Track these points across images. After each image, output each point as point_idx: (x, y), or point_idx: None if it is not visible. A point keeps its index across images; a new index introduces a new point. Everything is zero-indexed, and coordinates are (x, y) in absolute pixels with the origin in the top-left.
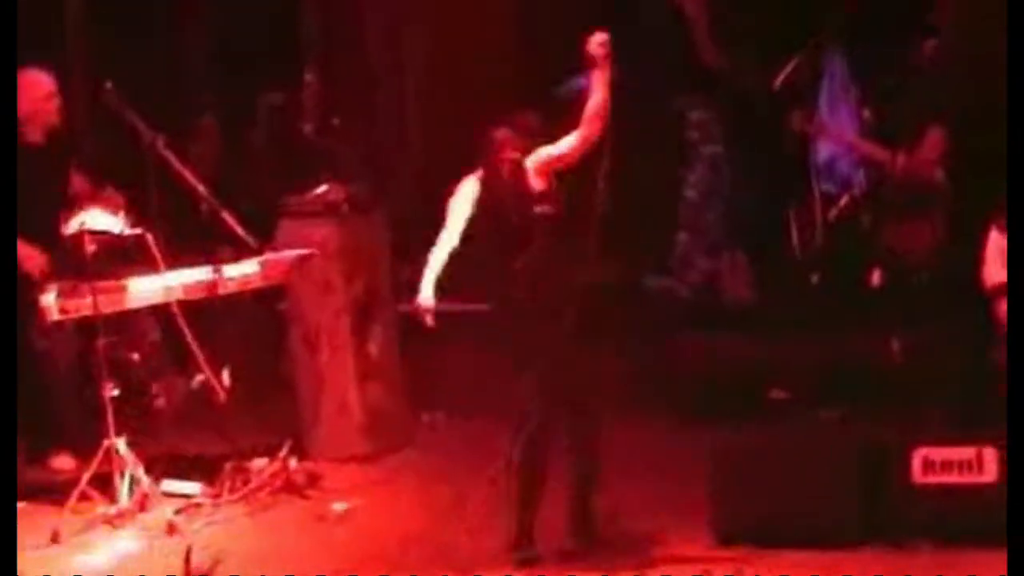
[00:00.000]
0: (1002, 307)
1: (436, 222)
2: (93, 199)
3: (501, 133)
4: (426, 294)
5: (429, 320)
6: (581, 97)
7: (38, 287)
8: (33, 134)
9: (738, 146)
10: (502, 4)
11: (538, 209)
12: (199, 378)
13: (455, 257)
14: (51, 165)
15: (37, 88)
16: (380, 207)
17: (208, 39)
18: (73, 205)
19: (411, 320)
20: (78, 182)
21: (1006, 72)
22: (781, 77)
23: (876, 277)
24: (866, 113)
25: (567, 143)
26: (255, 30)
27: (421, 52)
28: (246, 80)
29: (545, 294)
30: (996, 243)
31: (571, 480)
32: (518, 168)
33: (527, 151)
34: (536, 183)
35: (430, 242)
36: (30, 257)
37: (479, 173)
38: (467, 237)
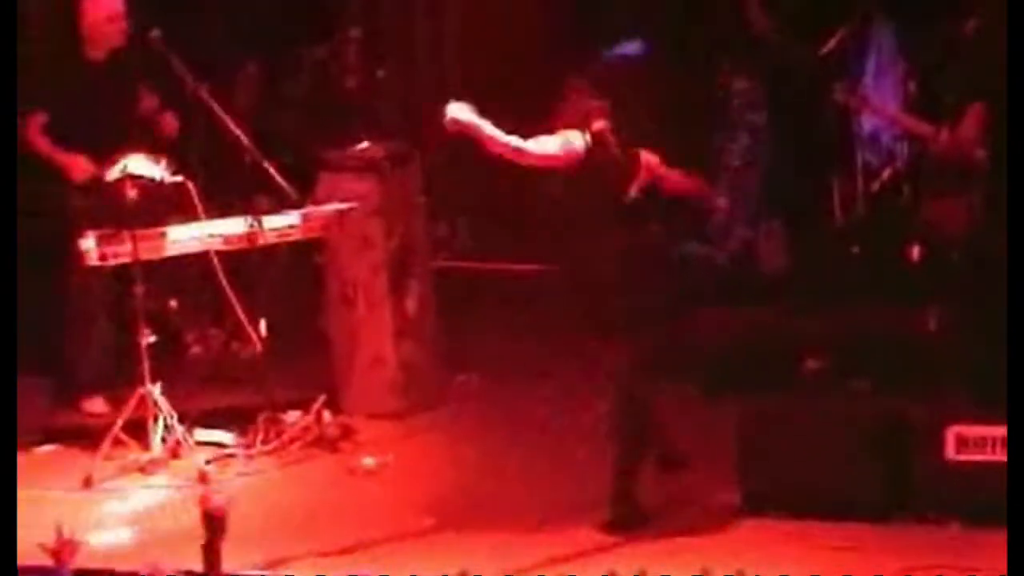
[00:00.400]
0: None
1: (474, 180)
2: (156, 120)
3: (578, 83)
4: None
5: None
6: (631, 63)
7: (79, 231)
8: (95, 52)
9: (782, 115)
10: None
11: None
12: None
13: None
14: (113, 84)
15: (100, 7)
16: (418, 163)
17: None
18: (142, 123)
19: (447, 278)
20: (147, 101)
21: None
22: (828, 47)
23: (915, 252)
24: (911, 87)
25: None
26: None
27: (461, 9)
28: (290, 32)
29: (642, 269)
30: None
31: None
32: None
33: (604, 112)
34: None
35: (466, 201)
36: (76, 165)
37: (584, 137)
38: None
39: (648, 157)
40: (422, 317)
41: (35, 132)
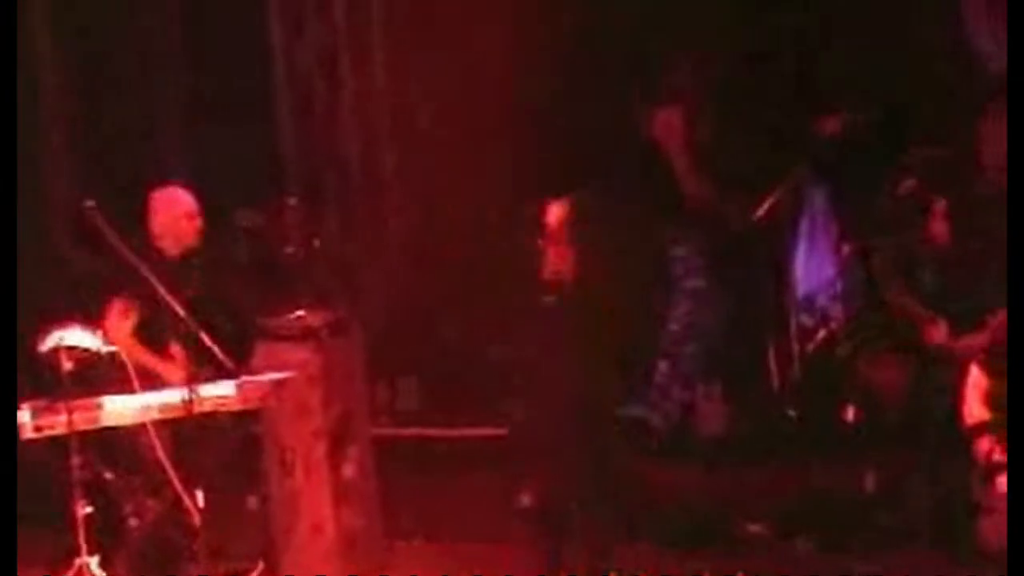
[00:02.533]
0: (983, 445)
1: (412, 343)
2: None
3: None
4: None
5: None
6: None
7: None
8: (170, 249)
9: (720, 280)
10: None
11: None
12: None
13: None
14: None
15: (177, 205)
16: (357, 330)
17: (187, 154)
18: None
19: (389, 443)
20: None
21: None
22: (761, 211)
23: (850, 413)
24: (845, 248)
25: None
26: (236, 148)
27: (403, 169)
28: (226, 199)
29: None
30: (976, 381)
31: None
32: None
33: None
34: None
35: (406, 366)
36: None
37: None
38: None
39: None
40: (362, 483)
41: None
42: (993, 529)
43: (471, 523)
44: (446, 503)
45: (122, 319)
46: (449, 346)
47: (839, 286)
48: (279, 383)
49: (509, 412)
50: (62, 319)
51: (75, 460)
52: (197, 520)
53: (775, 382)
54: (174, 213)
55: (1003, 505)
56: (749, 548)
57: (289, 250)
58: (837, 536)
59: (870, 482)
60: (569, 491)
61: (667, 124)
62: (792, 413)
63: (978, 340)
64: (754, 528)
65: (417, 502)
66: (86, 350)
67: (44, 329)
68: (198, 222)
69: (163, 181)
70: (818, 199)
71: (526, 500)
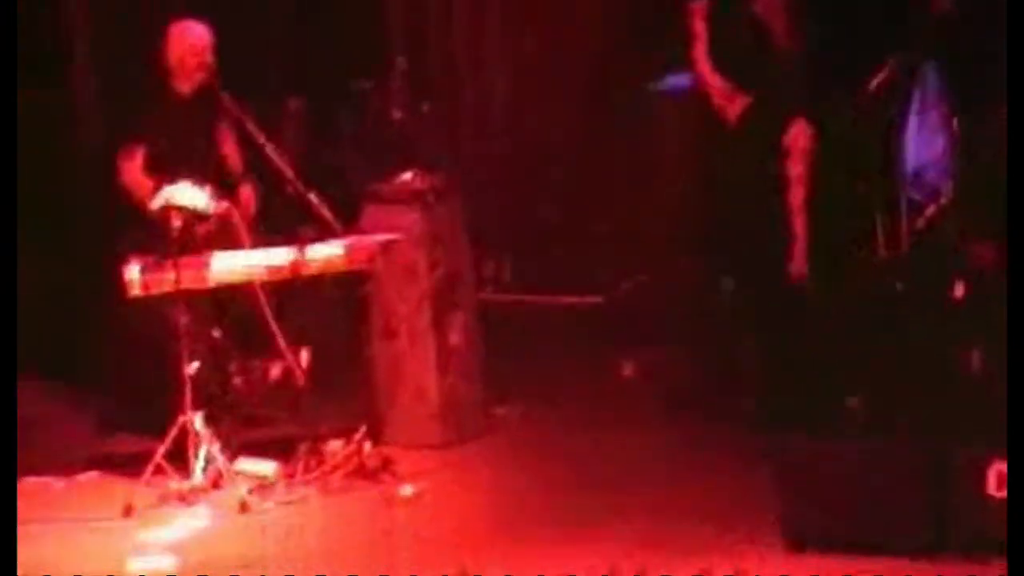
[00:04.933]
0: None
1: (518, 211)
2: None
3: None
4: None
5: None
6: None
7: (124, 261)
8: (181, 85)
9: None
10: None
11: None
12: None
13: None
14: (198, 119)
15: (186, 40)
16: (463, 195)
17: (300, 22)
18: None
19: (492, 312)
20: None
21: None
22: (873, 85)
23: (959, 289)
24: (956, 125)
25: None
26: (345, 15)
27: (510, 38)
28: (336, 64)
29: None
30: None
31: None
32: None
33: None
34: None
35: (512, 232)
36: (143, 186)
37: None
38: None
39: None
40: (466, 350)
41: (134, 166)
42: None
43: (573, 391)
44: (547, 371)
45: (129, 159)
46: (548, 224)
47: (949, 162)
48: (386, 245)
49: (613, 284)
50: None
51: (182, 318)
52: (301, 380)
53: (883, 256)
54: (185, 46)
55: None
56: (847, 423)
57: (397, 114)
58: (937, 413)
59: (976, 360)
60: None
61: (771, 3)
62: (899, 286)
63: None
64: (853, 402)
65: (519, 369)
66: (195, 208)
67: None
68: (209, 57)
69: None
70: (930, 75)
71: (628, 369)
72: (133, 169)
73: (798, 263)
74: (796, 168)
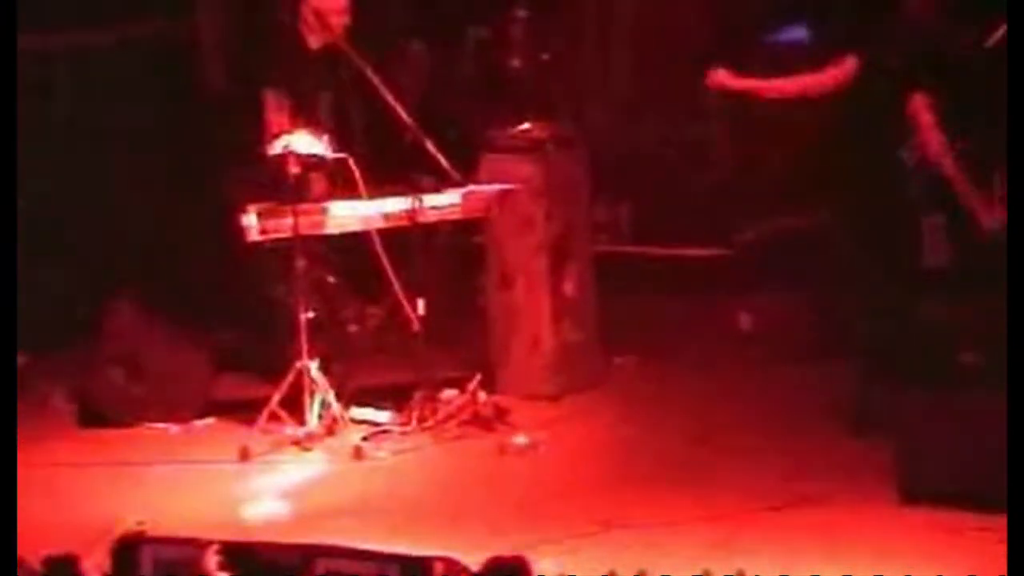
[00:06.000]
0: None
1: (637, 162)
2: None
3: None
4: None
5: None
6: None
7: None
8: (313, 39)
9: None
10: None
11: None
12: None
13: None
14: (321, 71)
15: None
16: (582, 145)
17: None
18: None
19: (608, 262)
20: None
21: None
22: (993, 39)
23: None
24: None
25: None
26: None
27: None
28: (456, 11)
29: None
30: None
31: None
32: None
33: None
34: None
35: (629, 183)
36: (278, 121)
37: None
38: None
39: None
40: (581, 300)
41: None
42: None
43: (688, 343)
44: (664, 321)
45: (278, 113)
46: (668, 173)
47: None
48: (503, 195)
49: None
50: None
51: (299, 263)
52: (417, 328)
53: (998, 217)
54: (327, 4)
55: None
56: (962, 379)
57: (516, 63)
58: None
59: None
60: None
61: None
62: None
63: None
64: (967, 358)
65: (635, 320)
66: (314, 155)
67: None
68: (347, 19)
69: None
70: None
71: (745, 321)
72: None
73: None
74: (932, 144)
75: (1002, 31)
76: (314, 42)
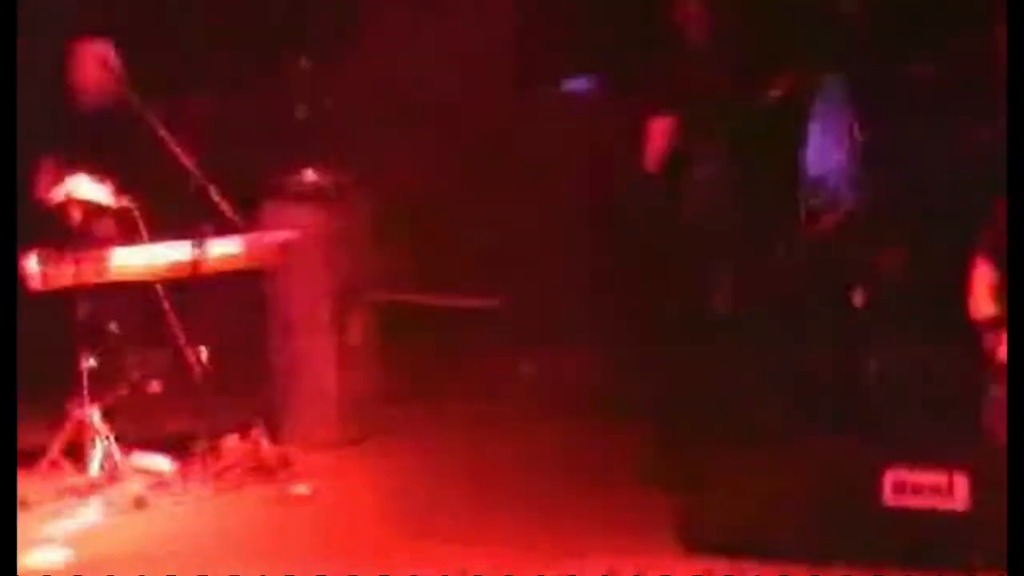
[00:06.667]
0: (990, 340)
1: (420, 212)
2: None
3: None
4: None
5: None
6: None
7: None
8: (88, 98)
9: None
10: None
11: None
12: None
13: None
14: (103, 126)
15: (92, 56)
16: (364, 194)
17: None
18: None
19: (392, 309)
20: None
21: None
22: (775, 92)
23: (858, 297)
24: (858, 133)
25: None
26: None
27: (413, 38)
28: (240, 57)
29: None
30: (983, 275)
31: None
32: None
33: None
34: None
35: (410, 231)
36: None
37: None
38: None
39: None
40: (364, 348)
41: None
42: (999, 419)
43: (471, 392)
44: (447, 371)
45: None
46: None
47: (851, 171)
48: (286, 242)
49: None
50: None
51: (81, 311)
52: (200, 375)
53: (782, 264)
54: (90, 63)
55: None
56: (745, 430)
57: (300, 110)
58: (834, 420)
59: (873, 367)
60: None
61: (687, 9)
62: (797, 294)
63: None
64: (750, 409)
65: (419, 369)
66: (96, 202)
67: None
68: (114, 74)
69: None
70: (833, 83)
71: (526, 368)
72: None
73: None
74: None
75: (787, 82)
76: (93, 99)
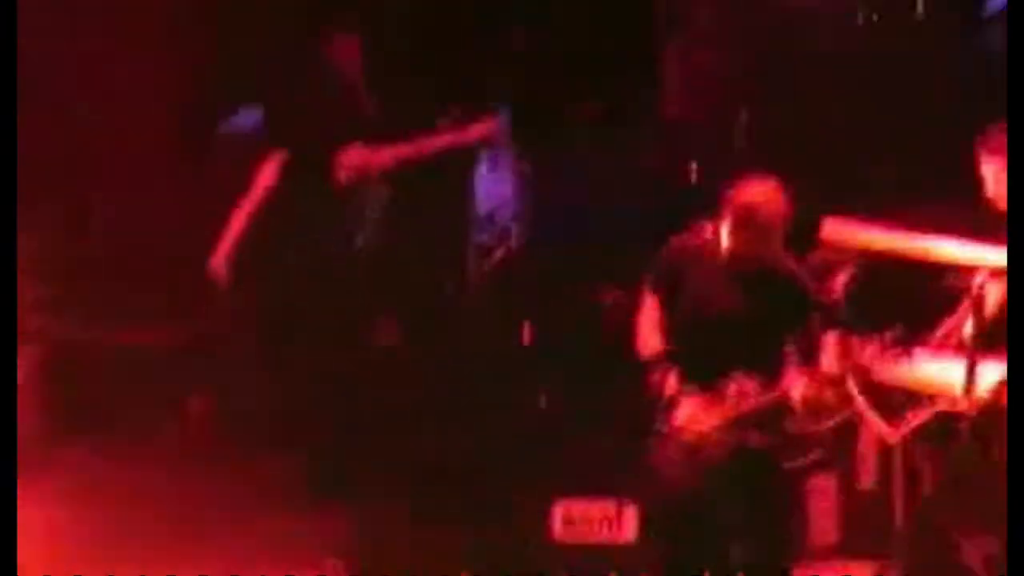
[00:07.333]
0: (655, 376)
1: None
2: None
3: None
4: None
5: None
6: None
7: None
8: None
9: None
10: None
11: None
12: None
13: None
14: None
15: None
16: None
17: None
18: None
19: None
20: None
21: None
22: (443, 126)
23: (526, 333)
24: (525, 167)
25: None
26: None
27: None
28: None
29: None
30: (649, 311)
31: None
32: None
33: None
34: None
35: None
36: None
37: None
38: None
39: None
40: (34, 388)
41: None
42: (666, 452)
43: (142, 427)
44: (115, 408)
45: None
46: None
47: (518, 205)
48: None
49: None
50: None
51: None
52: None
53: (453, 300)
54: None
55: (677, 433)
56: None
57: None
58: (508, 457)
59: (543, 401)
60: None
61: (345, 49)
62: (467, 334)
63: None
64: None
65: (91, 405)
66: None
67: None
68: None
69: None
70: (500, 118)
71: (196, 405)
72: None
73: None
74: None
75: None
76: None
